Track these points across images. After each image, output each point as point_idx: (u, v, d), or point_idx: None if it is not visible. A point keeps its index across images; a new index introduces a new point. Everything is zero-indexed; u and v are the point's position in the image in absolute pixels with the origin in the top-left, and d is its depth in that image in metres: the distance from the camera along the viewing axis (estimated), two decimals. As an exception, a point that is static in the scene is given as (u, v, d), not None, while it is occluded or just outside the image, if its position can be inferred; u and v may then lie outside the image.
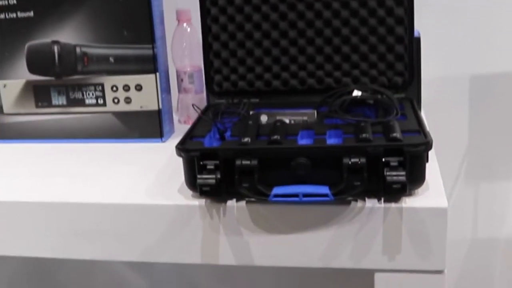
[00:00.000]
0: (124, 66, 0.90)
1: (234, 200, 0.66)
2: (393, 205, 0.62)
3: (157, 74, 0.90)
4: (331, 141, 0.68)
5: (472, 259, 1.15)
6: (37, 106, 0.95)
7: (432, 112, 1.05)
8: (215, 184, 0.62)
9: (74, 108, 0.94)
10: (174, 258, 0.69)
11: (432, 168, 0.70)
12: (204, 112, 0.80)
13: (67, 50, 0.91)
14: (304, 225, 0.64)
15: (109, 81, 0.91)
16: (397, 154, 0.60)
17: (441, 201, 0.61)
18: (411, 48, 0.81)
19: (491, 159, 1.12)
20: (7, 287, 1.44)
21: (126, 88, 0.91)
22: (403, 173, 0.58)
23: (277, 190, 0.62)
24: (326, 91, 0.81)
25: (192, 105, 0.86)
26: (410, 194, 0.63)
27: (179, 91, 1.02)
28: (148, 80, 0.90)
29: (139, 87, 0.91)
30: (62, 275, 1.42)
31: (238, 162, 0.62)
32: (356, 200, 0.63)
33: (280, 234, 0.65)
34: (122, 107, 0.92)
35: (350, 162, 0.60)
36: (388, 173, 0.59)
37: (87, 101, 0.93)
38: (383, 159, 0.60)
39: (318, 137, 0.68)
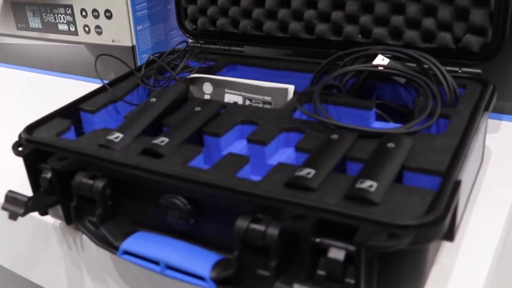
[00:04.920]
0: (90, -17, 0.62)
1: (98, 230, 0.37)
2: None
3: (128, -3, 0.60)
4: (265, 169, 0.33)
5: None
6: (17, 28, 0.72)
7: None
8: (25, 210, 0.33)
9: (49, 34, 0.69)
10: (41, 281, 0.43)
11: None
12: (140, 67, 0.49)
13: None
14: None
15: (78, 3, 0.64)
16: (344, 237, 0.24)
17: None
18: (508, -20, 0.38)
19: None
20: None
21: (96, 14, 0.63)
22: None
23: (129, 243, 0.31)
24: (344, 47, 0.44)
25: (99, 54, 0.55)
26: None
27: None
28: (117, 5, 0.61)
29: (109, 14, 0.62)
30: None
31: (77, 178, 0.32)
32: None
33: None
34: (93, 38, 0.65)
35: (247, 228, 0.26)
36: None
37: (59, 27, 0.68)
38: (315, 239, 0.25)
39: (252, 151, 0.34)
